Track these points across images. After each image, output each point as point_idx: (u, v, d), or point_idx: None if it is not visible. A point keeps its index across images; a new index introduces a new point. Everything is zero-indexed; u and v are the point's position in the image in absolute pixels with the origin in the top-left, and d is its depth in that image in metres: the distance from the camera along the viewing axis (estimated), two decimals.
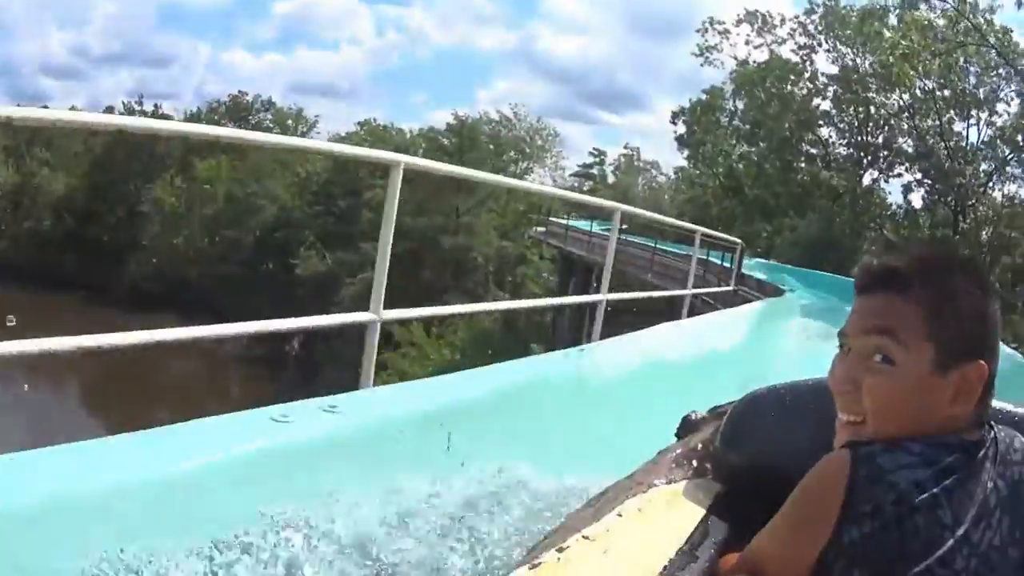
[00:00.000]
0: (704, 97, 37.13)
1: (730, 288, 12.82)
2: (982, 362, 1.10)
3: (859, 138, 32.90)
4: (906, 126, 31.45)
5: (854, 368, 1.15)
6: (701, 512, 1.48)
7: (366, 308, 3.45)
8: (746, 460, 1.64)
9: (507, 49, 76.08)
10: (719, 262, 16.41)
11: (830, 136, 34.30)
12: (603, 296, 5.86)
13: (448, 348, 29.53)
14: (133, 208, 43.53)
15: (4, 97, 54.14)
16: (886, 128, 32.16)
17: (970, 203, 30.18)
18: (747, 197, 34.35)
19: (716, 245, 15.15)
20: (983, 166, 30.29)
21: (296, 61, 73.83)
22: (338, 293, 32.17)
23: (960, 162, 29.62)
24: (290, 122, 50.04)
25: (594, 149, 51.90)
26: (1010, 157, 29.60)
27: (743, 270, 16.62)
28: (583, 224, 27.69)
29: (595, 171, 50.19)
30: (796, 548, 1.08)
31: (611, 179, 49.64)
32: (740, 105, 36.45)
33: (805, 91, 33.82)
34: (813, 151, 34.39)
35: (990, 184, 30.47)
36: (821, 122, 33.92)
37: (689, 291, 9.25)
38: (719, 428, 1.72)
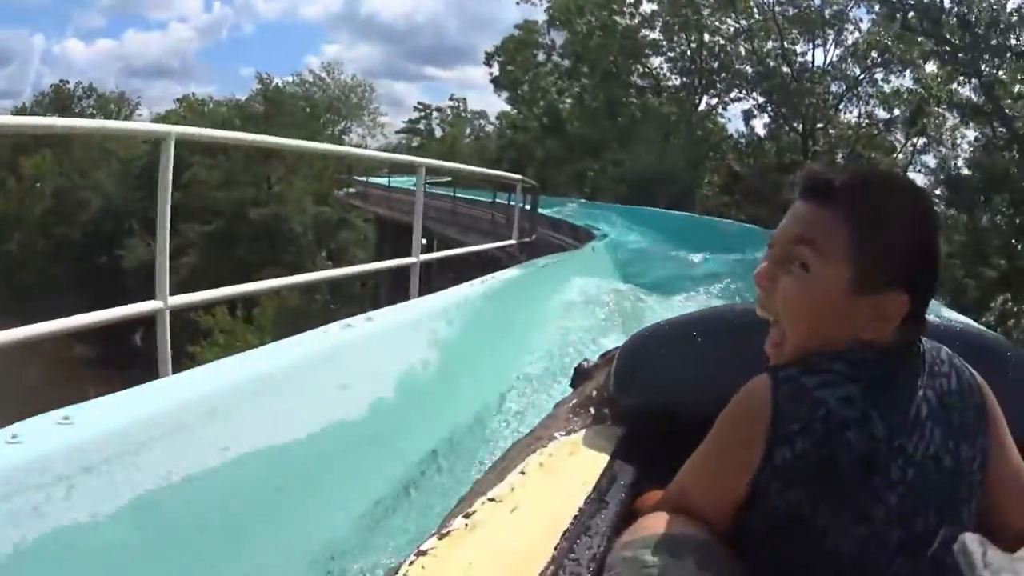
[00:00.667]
0: (517, 33, 34.27)
1: (512, 242, 9.54)
2: (905, 295, 1.07)
3: (693, 65, 30.69)
4: (743, 51, 29.55)
5: (774, 268, 1.13)
6: (605, 458, 1.46)
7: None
8: (642, 400, 1.63)
9: (333, 13, 77.00)
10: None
11: (661, 67, 32.08)
12: (415, 259, 5.46)
13: (259, 330, 26.76)
14: None
15: None
16: (722, 55, 30.09)
17: (819, 126, 28.76)
18: (570, 136, 31.73)
19: (504, 187, 13.02)
20: (832, 87, 28.97)
21: (127, 45, 71.11)
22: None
23: (808, 84, 28.05)
24: (112, 106, 47.66)
25: (419, 104, 49.87)
26: (862, 77, 28.30)
27: (550, 215, 14.62)
28: (404, 181, 26.14)
29: (422, 126, 48.97)
30: (724, 479, 1.07)
31: (439, 133, 48.52)
32: (560, 40, 33.77)
33: (629, 19, 31.39)
34: (643, 83, 32.02)
35: (841, 105, 29.20)
36: (649, 51, 31.62)
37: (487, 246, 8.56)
38: (610, 372, 1.71)
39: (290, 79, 45.00)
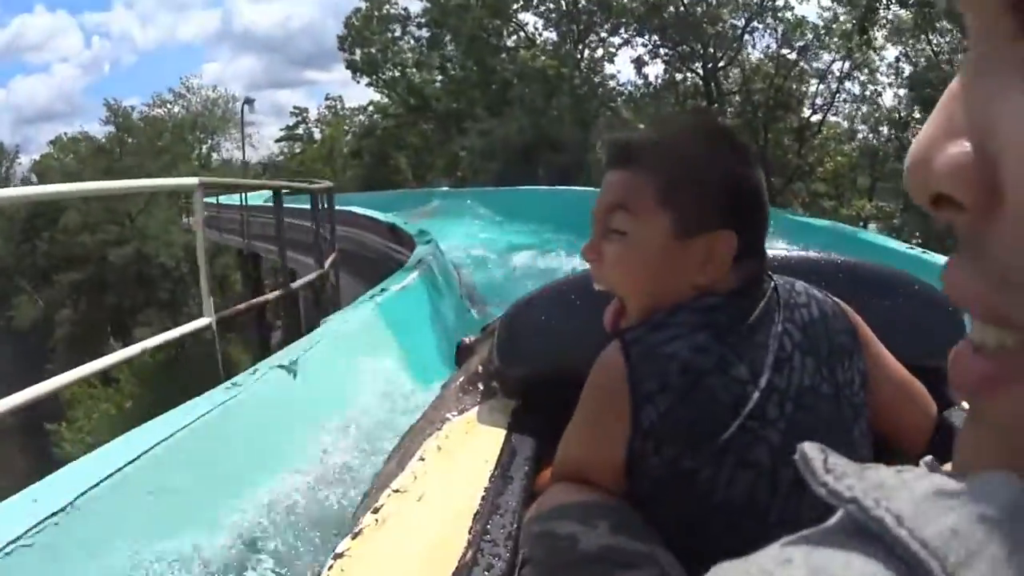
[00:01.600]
0: (364, 7, 30.44)
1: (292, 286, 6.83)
2: (730, 231, 1.05)
3: (570, 11, 26.94)
4: None
5: (598, 241, 1.13)
6: (502, 433, 1.46)
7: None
8: (528, 369, 1.59)
9: (210, 32, 74.62)
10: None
11: (536, 25, 28.39)
12: (208, 319, 4.22)
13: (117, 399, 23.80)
14: None
15: None
16: None
17: (721, 66, 25.48)
18: (439, 114, 28.22)
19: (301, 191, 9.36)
20: (731, 21, 25.45)
21: (14, 92, 67.27)
22: (51, 338, 29.50)
23: (704, 17, 24.60)
24: None
25: (294, 108, 47.72)
26: (767, 3, 24.79)
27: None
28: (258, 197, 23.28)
29: (301, 131, 46.18)
30: (601, 449, 1.04)
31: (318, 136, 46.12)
32: (415, 9, 30.09)
33: None
34: (512, 44, 28.38)
35: (745, 40, 25.65)
36: (517, 4, 27.83)
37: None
38: (493, 344, 1.66)
39: (148, 102, 43.23)
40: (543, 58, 25.73)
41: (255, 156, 52.50)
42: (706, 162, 1.06)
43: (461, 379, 1.73)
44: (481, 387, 1.66)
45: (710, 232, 1.04)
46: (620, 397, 1.00)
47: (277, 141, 47.66)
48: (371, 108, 34.97)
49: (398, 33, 30.18)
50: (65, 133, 41.78)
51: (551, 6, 27.36)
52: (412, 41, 30.08)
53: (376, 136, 32.27)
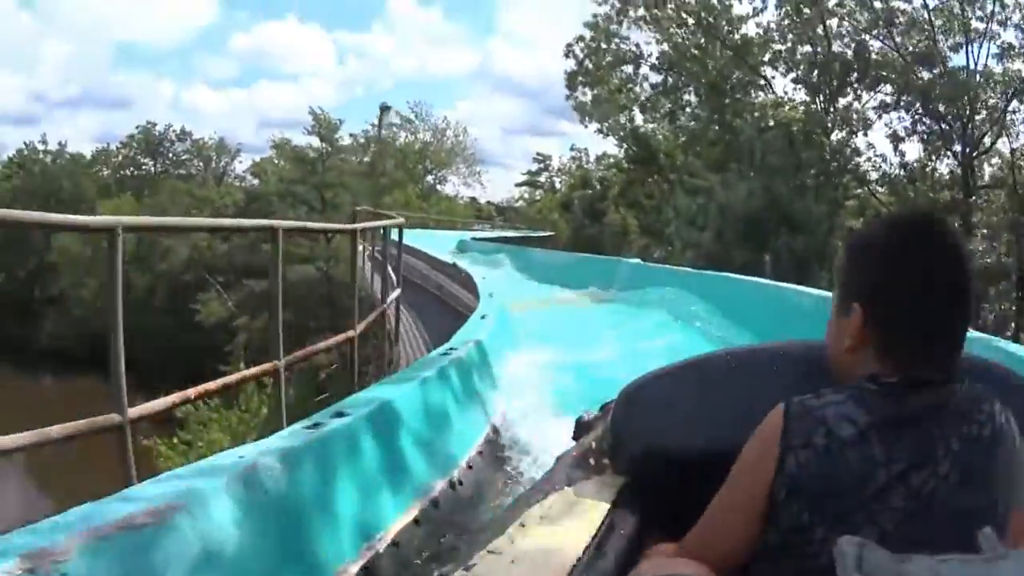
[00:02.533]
0: (588, 35, 26.79)
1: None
2: (855, 304, 1.16)
3: (823, 59, 22.58)
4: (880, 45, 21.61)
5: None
6: (606, 508, 1.49)
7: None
8: (640, 448, 1.62)
9: (468, 70, 79.80)
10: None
11: (785, 85, 24.21)
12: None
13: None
14: (43, 259, 40.41)
15: None
16: (853, 44, 21.99)
17: (987, 145, 20.66)
18: (662, 167, 24.42)
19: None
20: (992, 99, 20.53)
21: (258, 95, 73.16)
22: (233, 340, 29.07)
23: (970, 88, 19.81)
24: (213, 153, 47.93)
25: (538, 155, 46.83)
26: None
27: None
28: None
29: (543, 179, 46.13)
30: (746, 493, 1.13)
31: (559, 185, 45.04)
32: (650, 48, 26.38)
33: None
34: (756, 100, 24.26)
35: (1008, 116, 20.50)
36: (766, 55, 23.84)
37: None
38: (608, 421, 1.73)
39: (370, 124, 42.72)
40: (787, 109, 21.48)
41: (484, 196, 52.88)
42: (868, 242, 1.20)
43: (574, 453, 1.78)
44: (592, 462, 1.71)
45: (851, 307, 1.16)
46: (772, 444, 1.10)
47: (518, 185, 48.08)
48: (604, 160, 32.20)
49: (628, 70, 26.67)
50: (289, 140, 41.36)
51: (800, 56, 23.26)
52: (645, 86, 26.56)
53: (590, 189, 29.32)
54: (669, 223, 20.99)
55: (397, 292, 7.75)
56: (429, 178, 46.54)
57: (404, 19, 73.58)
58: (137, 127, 47.84)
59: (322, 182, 35.44)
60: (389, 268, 7.83)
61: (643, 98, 26.37)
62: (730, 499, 1.16)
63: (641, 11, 24.08)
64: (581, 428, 1.97)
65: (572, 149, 41.11)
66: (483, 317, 6.69)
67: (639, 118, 26.82)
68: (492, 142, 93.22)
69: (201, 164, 48.24)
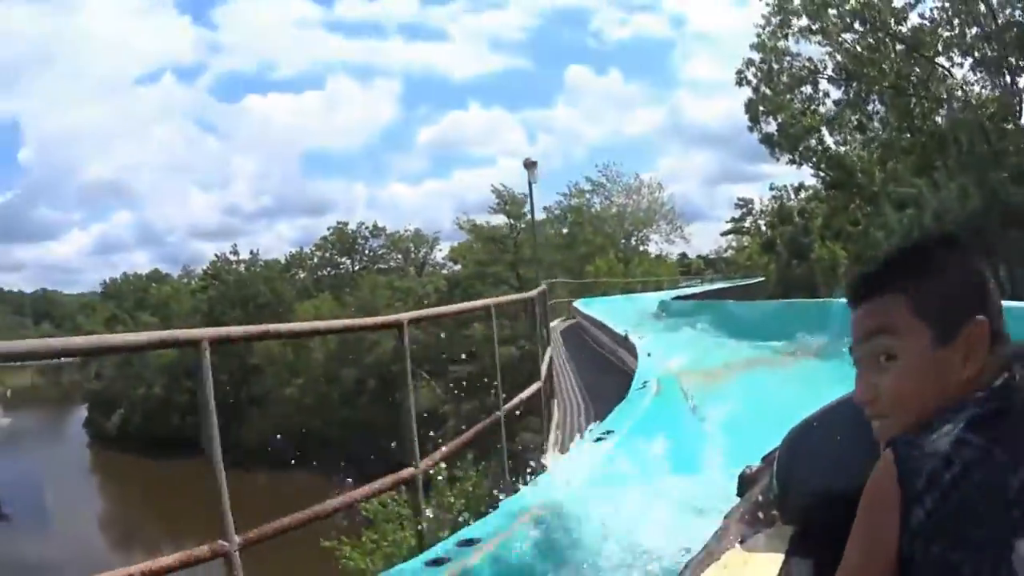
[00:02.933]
0: (759, 57, 25.62)
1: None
2: (980, 317, 1.12)
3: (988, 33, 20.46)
4: None
5: (867, 376, 1.20)
6: (779, 559, 1.51)
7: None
8: (807, 495, 1.61)
9: (657, 127, 79.13)
10: None
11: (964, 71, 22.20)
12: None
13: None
14: (244, 362, 42.14)
15: (161, 263, 57.39)
16: None
17: None
18: (863, 187, 22.64)
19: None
20: None
21: (453, 183, 77.08)
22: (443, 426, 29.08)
23: None
24: (411, 245, 49.18)
25: (739, 199, 43.56)
26: None
27: None
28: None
29: (747, 223, 43.73)
30: (874, 553, 1.08)
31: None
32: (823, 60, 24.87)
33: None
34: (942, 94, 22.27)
35: None
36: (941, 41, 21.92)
37: None
38: (772, 472, 1.72)
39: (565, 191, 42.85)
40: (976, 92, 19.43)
41: (691, 250, 52.04)
42: (939, 265, 1.16)
43: (742, 509, 1.78)
44: (762, 516, 1.71)
45: (967, 325, 1.12)
46: (891, 498, 1.04)
47: (723, 235, 46.23)
48: (802, 191, 30.53)
49: (807, 90, 25.29)
50: (473, 220, 41.89)
51: (970, 39, 21.31)
52: (828, 102, 25.08)
53: (790, 225, 27.96)
54: (879, 245, 19.25)
55: (548, 356, 7.63)
56: (631, 240, 45.99)
57: (585, 89, 74.78)
58: (329, 228, 50.26)
59: (516, 259, 35.64)
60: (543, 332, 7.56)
61: (828, 116, 24.90)
62: (861, 559, 1.09)
63: (804, 20, 22.89)
64: (745, 482, 1.96)
65: (772, 188, 39.67)
66: (643, 385, 6.67)
67: (828, 139, 25.38)
68: (693, 195, 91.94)
69: (400, 256, 49.74)
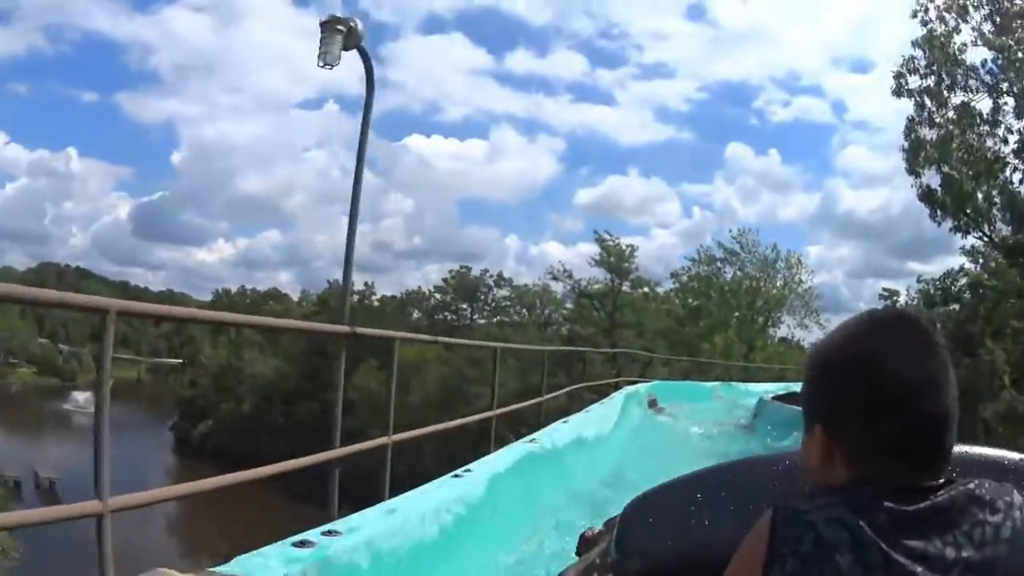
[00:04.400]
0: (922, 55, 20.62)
1: None
2: (819, 428, 1.19)
3: None
4: None
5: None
6: None
7: None
8: (644, 563, 1.72)
9: (811, 213, 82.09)
10: None
11: None
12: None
13: None
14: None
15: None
16: None
17: None
18: None
19: None
20: None
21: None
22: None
23: None
24: (538, 300, 47.76)
25: (884, 290, 41.84)
26: None
27: None
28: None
29: None
30: None
31: None
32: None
33: None
34: None
35: None
36: None
37: None
38: (612, 537, 1.82)
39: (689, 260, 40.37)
40: None
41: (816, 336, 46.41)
42: (822, 366, 1.21)
43: (580, 567, 1.89)
44: None
45: (817, 424, 1.19)
46: (758, 554, 1.10)
47: None
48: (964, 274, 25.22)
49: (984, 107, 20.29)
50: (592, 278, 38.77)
51: None
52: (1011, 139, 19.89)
53: (953, 312, 23.05)
54: None
55: None
56: (758, 318, 40.90)
57: (743, 167, 73.23)
58: (450, 271, 49.63)
59: (612, 324, 31.65)
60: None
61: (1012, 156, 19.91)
62: None
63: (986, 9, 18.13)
64: (585, 543, 2.07)
65: (919, 281, 35.27)
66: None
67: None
68: (836, 287, 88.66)
69: (525, 311, 48.15)
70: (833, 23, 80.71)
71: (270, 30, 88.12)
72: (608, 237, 36.31)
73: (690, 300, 38.28)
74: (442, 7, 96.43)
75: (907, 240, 66.77)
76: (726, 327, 35.90)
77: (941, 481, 1.10)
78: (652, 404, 14.25)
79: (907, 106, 19.88)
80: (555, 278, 40.19)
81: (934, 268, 58.70)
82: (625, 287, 36.02)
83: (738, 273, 40.13)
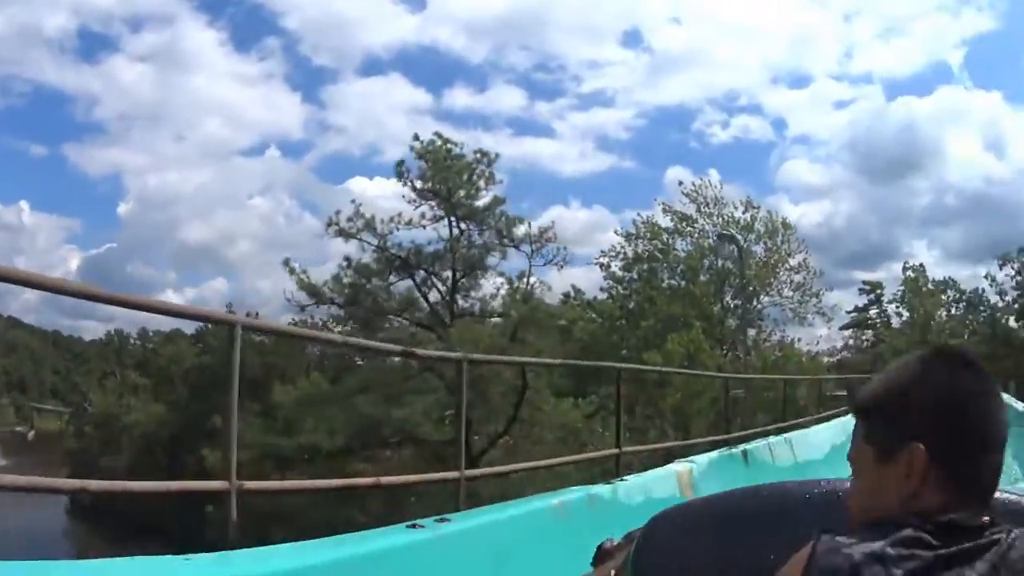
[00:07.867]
0: None
1: None
2: (918, 444, 1.15)
3: None
4: None
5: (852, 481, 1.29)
6: None
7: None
8: None
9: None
10: None
11: None
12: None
13: None
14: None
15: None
16: None
17: None
18: None
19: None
20: None
21: (553, 280, 69.35)
22: None
23: None
24: None
25: (864, 283, 40.50)
26: None
27: None
28: None
29: (873, 312, 40.09)
30: None
31: (895, 321, 38.46)
32: None
33: None
34: None
35: None
36: None
37: None
38: (629, 554, 1.75)
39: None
40: None
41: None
42: (884, 393, 1.22)
43: None
44: None
45: (904, 450, 1.16)
46: None
47: (842, 329, 39.77)
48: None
49: None
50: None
51: None
52: None
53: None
54: None
55: None
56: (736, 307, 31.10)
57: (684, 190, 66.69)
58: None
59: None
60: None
61: None
62: None
63: None
64: (602, 555, 1.98)
65: (907, 268, 34.43)
66: None
67: None
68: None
69: None
70: (769, 40, 77.64)
71: (211, 77, 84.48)
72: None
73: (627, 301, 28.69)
74: (379, 48, 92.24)
75: (853, 251, 67.69)
76: (686, 326, 25.75)
77: (987, 519, 1.11)
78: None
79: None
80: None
81: (881, 275, 53.05)
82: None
83: (696, 244, 30.07)
